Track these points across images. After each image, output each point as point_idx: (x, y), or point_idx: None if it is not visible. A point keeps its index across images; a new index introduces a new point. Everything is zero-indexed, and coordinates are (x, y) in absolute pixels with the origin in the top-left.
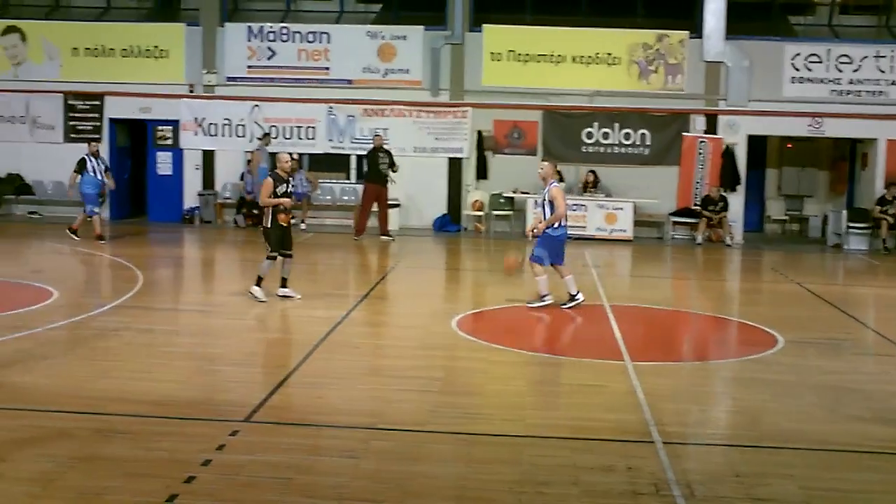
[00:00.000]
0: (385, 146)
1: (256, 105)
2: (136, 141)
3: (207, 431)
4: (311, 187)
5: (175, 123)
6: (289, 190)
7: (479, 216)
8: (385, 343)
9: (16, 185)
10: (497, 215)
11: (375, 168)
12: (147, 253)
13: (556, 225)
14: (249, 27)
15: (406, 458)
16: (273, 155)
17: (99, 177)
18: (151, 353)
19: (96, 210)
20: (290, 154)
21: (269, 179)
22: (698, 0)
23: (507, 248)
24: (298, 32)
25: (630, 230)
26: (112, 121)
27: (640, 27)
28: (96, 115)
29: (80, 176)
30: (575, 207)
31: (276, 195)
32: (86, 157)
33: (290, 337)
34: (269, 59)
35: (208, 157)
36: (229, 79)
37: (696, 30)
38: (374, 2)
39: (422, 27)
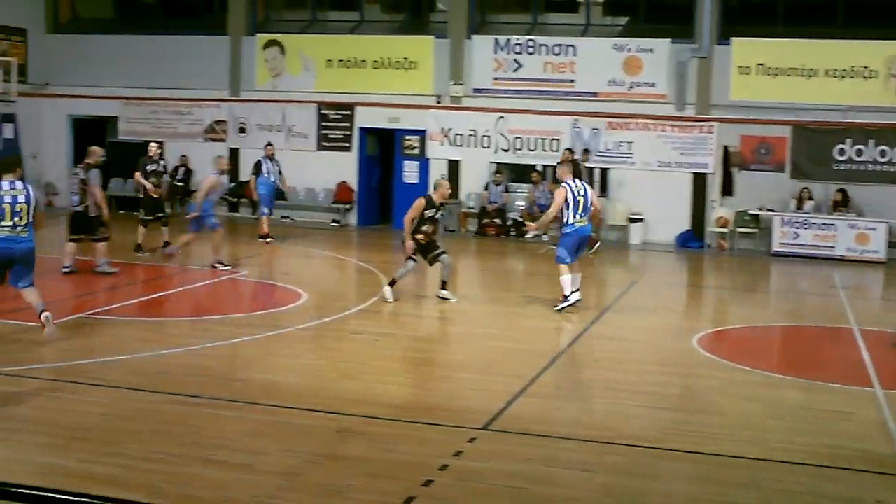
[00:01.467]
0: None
1: (502, 117)
2: (384, 150)
3: (445, 437)
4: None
5: (422, 133)
6: (436, 216)
7: (724, 233)
8: (624, 357)
9: None
10: (742, 232)
11: None
12: (391, 259)
13: (567, 221)
14: (496, 40)
15: (641, 475)
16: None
17: (272, 178)
18: (393, 357)
19: (266, 210)
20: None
21: (421, 200)
22: None
23: (751, 265)
24: (545, 45)
25: (883, 251)
26: (362, 130)
27: None
28: (347, 125)
29: (256, 178)
30: (824, 227)
31: (423, 217)
32: (261, 159)
33: (530, 347)
34: (514, 71)
35: (453, 166)
36: (475, 90)
37: None
38: (621, 14)
39: (668, 40)
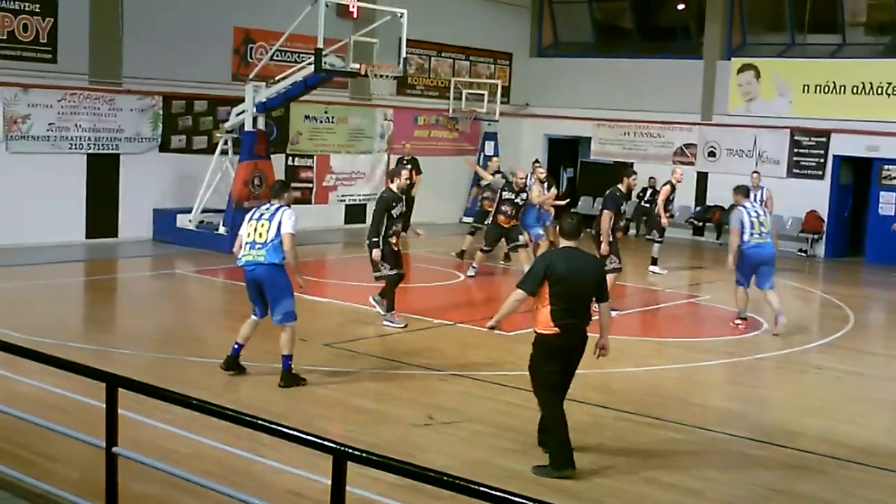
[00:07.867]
0: None
1: None
2: (858, 179)
3: None
4: None
5: None
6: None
7: None
8: None
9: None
10: None
11: None
12: (861, 294)
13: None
14: None
15: None
16: None
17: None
18: (858, 396)
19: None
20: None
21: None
22: None
23: None
24: None
25: None
26: (836, 157)
27: None
28: (821, 152)
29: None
30: None
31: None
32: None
33: None
34: None
35: None
36: None
37: None
38: None
39: None
